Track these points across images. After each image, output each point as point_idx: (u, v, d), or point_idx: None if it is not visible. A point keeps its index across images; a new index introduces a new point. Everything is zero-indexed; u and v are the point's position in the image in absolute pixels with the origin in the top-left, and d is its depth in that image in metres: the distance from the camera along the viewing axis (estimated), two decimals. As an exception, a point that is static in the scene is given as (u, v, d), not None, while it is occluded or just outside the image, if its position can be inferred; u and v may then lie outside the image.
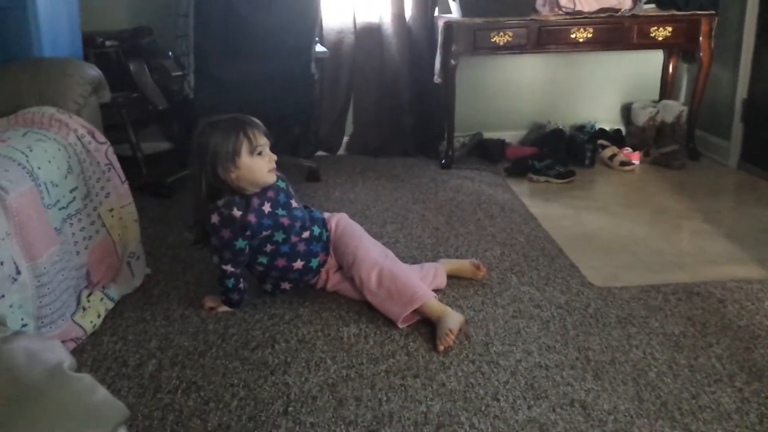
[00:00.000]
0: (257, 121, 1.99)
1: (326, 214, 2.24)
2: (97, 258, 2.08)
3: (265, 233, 2.01)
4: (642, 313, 2.06)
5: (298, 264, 2.08)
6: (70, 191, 2.00)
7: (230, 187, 1.96)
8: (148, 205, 2.79)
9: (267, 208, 2.00)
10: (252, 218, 1.97)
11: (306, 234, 2.08)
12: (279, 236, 2.03)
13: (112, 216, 2.16)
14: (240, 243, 1.98)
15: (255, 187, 1.98)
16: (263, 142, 1.96)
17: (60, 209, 1.93)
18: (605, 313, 2.07)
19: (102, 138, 2.20)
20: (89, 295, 2.02)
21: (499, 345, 1.90)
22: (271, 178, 1.99)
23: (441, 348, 1.86)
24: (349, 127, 3.89)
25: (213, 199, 1.97)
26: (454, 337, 1.90)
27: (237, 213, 1.95)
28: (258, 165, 1.94)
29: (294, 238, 2.06)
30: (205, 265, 2.39)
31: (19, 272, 1.67)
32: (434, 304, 1.98)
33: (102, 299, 2.05)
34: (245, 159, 1.92)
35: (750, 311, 2.06)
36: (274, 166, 1.99)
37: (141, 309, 2.11)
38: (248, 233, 1.98)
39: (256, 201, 1.99)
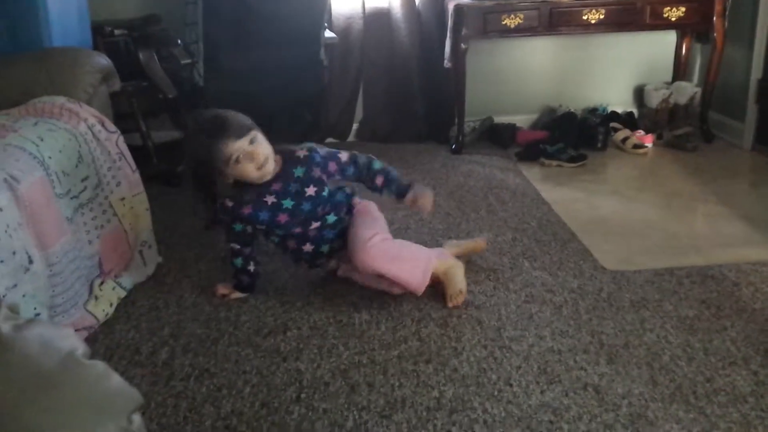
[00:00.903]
0: (234, 120, 1.91)
1: (357, 200, 2.19)
2: (109, 247, 2.09)
3: (259, 227, 2.02)
4: (656, 297, 2.05)
5: (308, 247, 2.08)
6: (82, 180, 2.01)
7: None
8: (159, 193, 2.79)
9: (270, 199, 1.97)
10: (247, 210, 1.98)
11: (315, 224, 2.04)
12: (278, 231, 2.04)
13: (124, 205, 2.17)
14: (237, 227, 2.02)
15: (258, 181, 1.95)
16: (237, 147, 1.86)
17: (71, 198, 1.94)
18: (618, 297, 2.06)
19: (112, 127, 2.21)
20: (101, 284, 2.03)
21: (512, 330, 1.89)
22: (262, 175, 1.93)
23: (452, 305, 2.00)
24: (358, 113, 3.87)
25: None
26: (465, 296, 2.02)
27: (229, 204, 1.98)
28: (241, 170, 1.90)
29: (297, 230, 2.04)
30: (216, 253, 2.40)
31: (31, 261, 1.68)
32: (439, 264, 2.05)
33: (114, 288, 2.06)
34: (227, 170, 1.90)
35: (765, 294, 2.04)
36: (263, 162, 1.91)
37: (153, 297, 2.12)
38: (245, 221, 1.99)
39: (254, 193, 1.96)
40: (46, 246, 1.77)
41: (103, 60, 2.37)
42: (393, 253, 1.99)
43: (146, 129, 2.93)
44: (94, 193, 2.06)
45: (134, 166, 2.23)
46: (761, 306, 1.98)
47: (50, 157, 1.87)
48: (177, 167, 3.04)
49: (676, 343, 1.81)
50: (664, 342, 1.82)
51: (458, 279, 2.04)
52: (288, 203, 1.98)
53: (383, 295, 2.06)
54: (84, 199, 2.01)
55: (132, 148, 2.31)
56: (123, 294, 2.09)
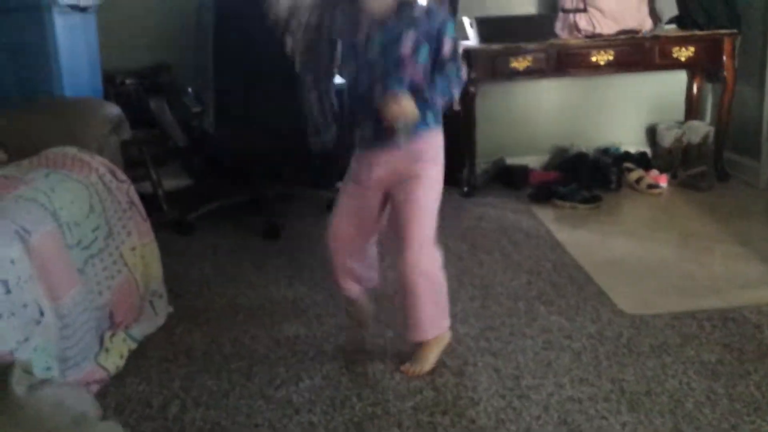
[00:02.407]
0: None
1: None
2: (120, 298, 2.07)
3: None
4: (677, 341, 2.00)
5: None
6: (92, 231, 2.00)
7: None
8: (169, 241, 2.78)
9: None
10: None
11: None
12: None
13: (134, 254, 2.15)
14: None
15: None
16: None
17: (82, 249, 1.93)
18: (638, 342, 2.01)
19: (123, 176, 2.21)
20: (112, 335, 2.00)
21: (530, 378, 1.84)
22: None
23: (408, 372, 1.88)
24: (370, 158, 3.86)
25: None
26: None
27: None
28: None
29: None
30: (227, 300, 2.37)
31: (42, 314, 1.67)
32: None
33: (125, 339, 2.03)
34: None
35: (789, 337, 1.99)
36: None
37: (164, 348, 2.09)
38: None
39: None
40: (57, 298, 1.75)
41: (113, 110, 2.39)
42: (438, 283, 1.87)
43: (157, 177, 2.93)
44: (104, 243, 2.05)
45: (145, 215, 2.22)
46: (785, 349, 1.93)
47: (61, 208, 1.86)
48: (188, 215, 3.04)
49: (699, 390, 1.76)
50: (686, 388, 1.77)
51: (434, 356, 1.91)
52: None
53: (395, 341, 2.02)
54: (95, 250, 1.99)
55: (142, 196, 2.31)
56: (134, 346, 2.06)
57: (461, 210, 3.34)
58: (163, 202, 2.98)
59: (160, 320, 2.21)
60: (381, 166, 1.88)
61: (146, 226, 2.22)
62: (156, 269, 2.23)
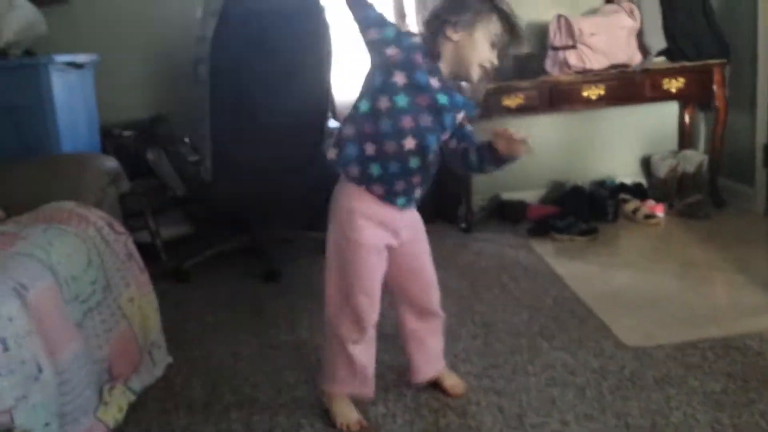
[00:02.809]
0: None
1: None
2: (119, 350, 2.06)
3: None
4: (680, 372, 1.99)
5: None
6: (90, 284, 2.00)
7: None
8: (168, 290, 2.78)
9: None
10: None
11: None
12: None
13: (133, 306, 2.15)
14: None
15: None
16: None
17: (80, 303, 1.93)
18: (642, 375, 1.99)
19: (121, 228, 2.22)
20: (111, 389, 1.99)
21: (534, 416, 1.83)
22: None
23: (459, 388, 1.99)
24: (367, 198, 3.88)
25: None
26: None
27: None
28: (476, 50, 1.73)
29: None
30: (227, 348, 2.36)
31: (41, 370, 1.66)
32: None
33: (124, 392, 2.02)
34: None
35: (793, 364, 1.98)
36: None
37: (163, 400, 2.07)
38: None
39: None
40: (55, 353, 1.74)
41: (111, 163, 2.41)
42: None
43: (155, 227, 2.95)
44: (103, 296, 2.05)
45: (143, 266, 2.23)
46: (789, 376, 1.91)
47: (59, 263, 1.87)
48: (186, 263, 3.05)
49: (704, 421, 1.74)
50: (692, 420, 1.75)
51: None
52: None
53: (399, 385, 2.01)
54: (93, 303, 1.99)
55: (141, 245, 2.32)
56: (133, 398, 2.04)
57: (460, 247, 3.34)
58: (161, 251, 2.99)
59: (159, 371, 2.20)
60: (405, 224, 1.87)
61: (144, 277, 2.22)
62: (154, 320, 2.23)
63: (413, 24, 3.62)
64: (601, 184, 3.81)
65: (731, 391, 1.87)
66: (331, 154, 1.76)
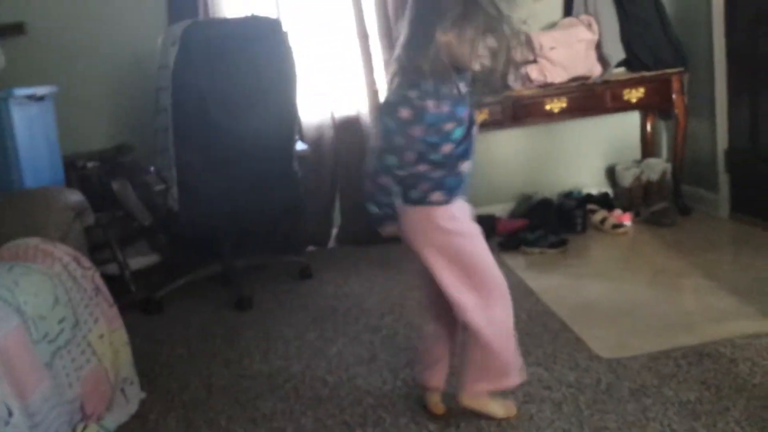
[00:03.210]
0: None
1: None
2: (90, 388, 2.02)
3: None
4: (655, 383, 2.00)
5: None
6: (58, 323, 1.96)
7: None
8: (139, 322, 2.74)
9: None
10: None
11: None
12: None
13: (103, 342, 2.11)
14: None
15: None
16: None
17: (49, 343, 1.89)
18: (617, 387, 2.01)
19: (87, 263, 2.18)
20: (84, 428, 1.94)
21: (513, 434, 1.83)
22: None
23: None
24: (337, 219, 3.88)
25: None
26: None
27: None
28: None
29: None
30: (201, 379, 2.33)
31: (11, 414, 1.62)
32: None
33: (98, 431, 1.98)
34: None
35: (762, 368, 2.00)
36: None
37: (138, 437, 2.03)
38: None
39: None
40: (25, 396, 1.70)
41: (75, 197, 2.38)
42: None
43: (123, 258, 2.91)
44: (72, 333, 2.00)
45: (111, 301, 2.19)
46: (760, 381, 1.94)
47: (26, 303, 1.83)
48: (156, 294, 3.00)
49: (680, 431, 1.75)
50: (668, 430, 1.76)
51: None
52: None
53: (377, 410, 2.00)
54: (62, 342, 1.95)
55: (110, 278, 2.28)
56: (107, 436, 2.00)
57: (432, 265, 3.34)
58: (130, 283, 2.95)
59: (133, 407, 2.16)
60: None
61: (113, 311, 2.18)
62: (125, 355, 2.19)
63: (376, 44, 3.64)
64: (568, 195, 3.85)
65: (706, 400, 1.88)
66: (437, 196, 1.81)
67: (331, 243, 3.88)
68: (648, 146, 3.96)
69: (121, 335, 2.19)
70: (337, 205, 3.86)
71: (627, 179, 3.79)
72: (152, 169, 2.92)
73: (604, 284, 2.85)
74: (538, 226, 3.48)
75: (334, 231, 3.89)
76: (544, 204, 3.71)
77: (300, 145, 3.31)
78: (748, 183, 3.39)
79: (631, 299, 2.65)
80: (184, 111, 2.75)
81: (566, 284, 2.89)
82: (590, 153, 4.00)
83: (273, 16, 3.45)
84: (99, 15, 3.51)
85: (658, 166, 3.75)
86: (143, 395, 2.24)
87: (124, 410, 2.12)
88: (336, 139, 3.73)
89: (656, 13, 3.62)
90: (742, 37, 3.30)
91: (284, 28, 3.04)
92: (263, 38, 2.98)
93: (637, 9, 3.61)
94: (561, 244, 3.33)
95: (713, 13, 3.41)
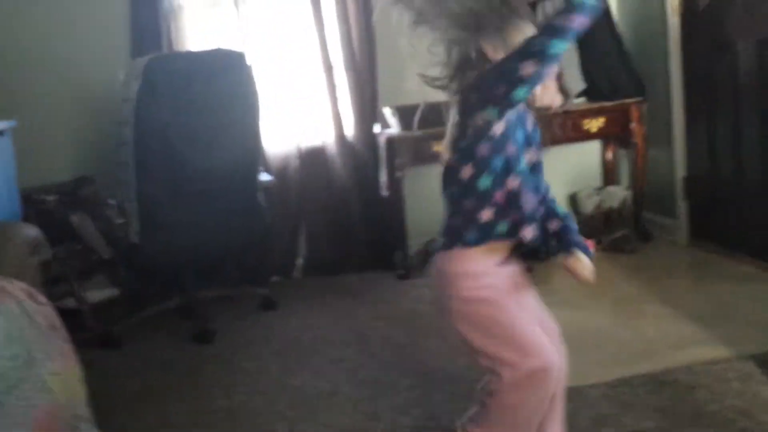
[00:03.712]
0: None
1: None
2: (43, 427, 1.97)
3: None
4: (614, 411, 2.02)
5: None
6: (11, 360, 1.91)
7: None
8: (95, 358, 2.68)
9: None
10: None
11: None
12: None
13: (57, 379, 2.06)
14: None
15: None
16: None
17: (0, 381, 1.84)
18: (578, 416, 2.01)
19: (42, 299, 2.13)
20: (36, 469, 1.89)
21: (475, 467, 1.81)
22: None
23: None
24: (302, 249, 3.86)
25: None
26: None
27: None
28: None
29: None
30: (159, 417, 2.29)
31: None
32: None
33: (50, 472, 1.93)
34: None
35: (719, 394, 2.03)
36: None
37: (93, 477, 1.98)
38: None
39: None
40: (-28, 436, 1.66)
41: (31, 231, 2.33)
42: None
43: (81, 292, 2.86)
44: (25, 371, 1.96)
45: (67, 337, 2.14)
46: (717, 408, 1.96)
47: (-25, 341, 1.79)
48: (114, 328, 2.95)
49: (639, 460, 1.77)
50: (627, 460, 1.77)
51: None
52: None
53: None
54: (14, 380, 1.90)
55: (67, 312, 2.24)
56: (60, 477, 1.95)
57: (398, 293, 3.35)
58: (88, 318, 2.89)
59: (89, 446, 2.11)
60: None
61: (69, 348, 2.13)
62: (80, 393, 2.13)
63: (341, 75, 3.67)
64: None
65: (664, 428, 1.90)
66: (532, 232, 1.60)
67: (296, 273, 3.86)
68: (608, 174, 4.02)
69: (77, 372, 2.13)
70: (303, 235, 3.85)
71: (588, 206, 3.85)
72: (113, 202, 2.89)
73: (568, 312, 2.85)
74: (503, 254, 3.50)
75: (300, 261, 3.87)
76: (508, 232, 3.74)
77: (264, 176, 3.31)
78: (707, 210, 3.45)
79: (593, 327, 2.68)
80: (146, 144, 2.74)
81: (529, 313, 2.90)
82: (552, 181, 3.95)
83: (237, 49, 3.47)
84: (61, 48, 3.48)
85: (619, 194, 3.81)
86: (99, 434, 2.19)
87: (78, 450, 2.07)
88: (302, 170, 3.74)
89: (614, 44, 3.71)
90: (699, 66, 3.39)
91: (248, 61, 3.06)
92: (227, 71, 2.99)
93: (596, 40, 3.68)
94: (526, 271, 3.34)
95: (670, 43, 3.51)
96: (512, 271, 1.71)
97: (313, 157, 3.78)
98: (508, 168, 1.53)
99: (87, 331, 2.84)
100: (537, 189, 1.61)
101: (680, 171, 3.57)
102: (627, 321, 2.72)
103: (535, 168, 1.63)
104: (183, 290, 3.10)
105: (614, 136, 3.81)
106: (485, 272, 1.61)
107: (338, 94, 3.72)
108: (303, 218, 3.82)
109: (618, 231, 3.65)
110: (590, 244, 3.59)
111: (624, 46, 3.73)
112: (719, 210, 3.36)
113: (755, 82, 3.04)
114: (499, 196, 1.53)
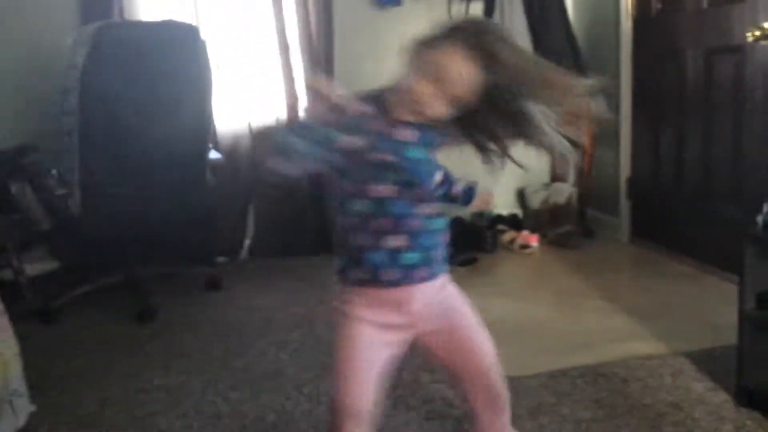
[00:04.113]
0: None
1: None
2: (-26, 400, 1.91)
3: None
4: (551, 401, 2.06)
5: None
6: (-59, 330, 1.85)
7: None
8: (33, 332, 2.62)
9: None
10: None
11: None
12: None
13: (-10, 352, 2.00)
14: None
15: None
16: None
17: (-72, 351, 1.78)
18: (516, 404, 2.01)
19: (-23, 268, 2.07)
20: (-36, 443, 1.84)
21: (413, 452, 1.84)
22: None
23: None
24: (250, 230, 3.82)
25: None
26: None
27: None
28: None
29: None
30: (96, 394, 2.24)
31: None
32: None
33: (-20, 446, 1.87)
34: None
35: (653, 388, 2.09)
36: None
37: (25, 452, 1.93)
38: None
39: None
40: None
41: (-33, 198, 2.25)
42: None
43: (19, 263, 2.77)
44: (-45, 342, 1.89)
45: (2, 308, 2.08)
46: (650, 401, 2.02)
47: None
48: (53, 302, 2.87)
49: (575, 449, 1.81)
50: (562, 449, 1.82)
51: None
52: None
53: (278, 427, 1.97)
54: (-57, 351, 1.84)
55: (4, 283, 2.17)
56: (-10, 452, 1.90)
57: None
58: (25, 290, 2.81)
59: (21, 421, 2.04)
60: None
61: (4, 320, 2.07)
62: (15, 366, 2.08)
63: (297, 55, 3.63)
64: (479, 215, 3.93)
65: (599, 418, 1.95)
66: None
67: (244, 254, 3.82)
68: (556, 171, 4.09)
69: (11, 345, 2.07)
70: (251, 215, 3.81)
71: (535, 201, 3.91)
72: (54, 171, 2.80)
73: (509, 303, 2.92)
74: (450, 243, 3.53)
75: (247, 242, 3.83)
76: (456, 222, 3.77)
77: (214, 154, 3.25)
78: (648, 210, 3.55)
79: (534, 318, 2.73)
80: (91, 114, 2.66)
81: (473, 302, 2.89)
82: (502, 174, 4.09)
83: (191, 22, 3.40)
84: (8, 9, 3.36)
85: (565, 190, 3.89)
86: (33, 408, 2.12)
87: (11, 423, 2.01)
88: (253, 149, 3.69)
89: (568, 44, 3.76)
90: (648, 72, 3.47)
91: (202, 36, 3.00)
92: (179, 44, 2.93)
93: (550, 37, 3.74)
94: (470, 262, 3.39)
95: (622, 46, 3.58)
96: None
97: (264, 136, 3.73)
98: None
99: (24, 305, 2.76)
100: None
101: (625, 171, 3.66)
102: (567, 314, 2.78)
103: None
104: (125, 266, 3.04)
105: (563, 134, 3.86)
106: None
107: (294, 75, 3.68)
108: (252, 199, 3.78)
109: (563, 226, 3.73)
110: (534, 238, 3.69)
111: (578, 47, 3.78)
112: (660, 211, 3.46)
113: (701, 90, 3.13)
114: None
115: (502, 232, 3.73)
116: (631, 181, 3.63)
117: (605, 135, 3.73)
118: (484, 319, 2.62)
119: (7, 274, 2.82)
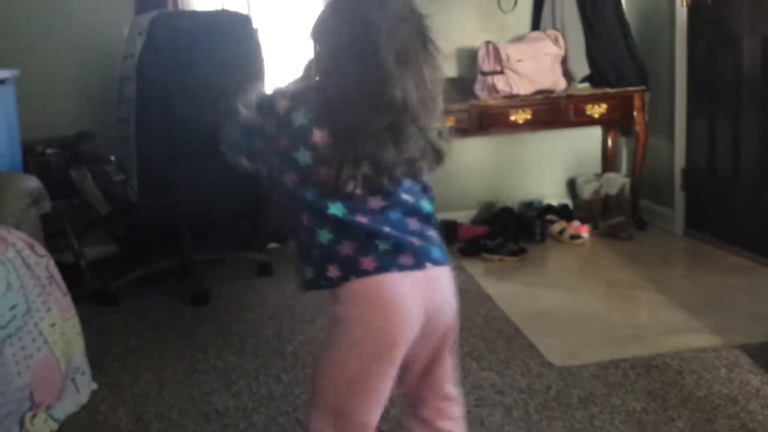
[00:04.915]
0: None
1: None
2: (40, 377, 1.99)
3: None
4: (603, 391, 2.04)
5: None
6: (10, 309, 1.93)
7: None
8: (92, 314, 2.70)
9: None
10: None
11: None
12: None
13: (55, 331, 2.08)
14: None
15: None
16: None
17: (-1, 329, 1.85)
18: (567, 394, 2.04)
19: (42, 251, 2.14)
20: (33, 417, 1.91)
21: (463, 437, 1.85)
22: None
23: None
24: (299, 218, 3.87)
25: None
26: None
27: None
28: None
29: None
30: (154, 373, 2.31)
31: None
32: None
33: (46, 420, 1.95)
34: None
35: (707, 381, 2.06)
36: None
37: (87, 428, 2.00)
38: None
39: None
40: (-30, 382, 1.67)
41: (32, 183, 2.33)
42: None
43: (78, 247, 2.86)
44: (23, 321, 1.97)
45: (65, 290, 2.16)
46: (705, 394, 1.99)
47: (-25, 288, 1.80)
48: (111, 285, 2.96)
49: (626, 440, 1.80)
50: (615, 439, 1.81)
51: None
52: None
53: None
54: (12, 329, 1.92)
55: (65, 266, 2.25)
56: (55, 427, 1.97)
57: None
58: (85, 273, 2.90)
59: (83, 398, 2.13)
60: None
61: (67, 301, 2.15)
62: (78, 345, 2.16)
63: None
64: (529, 205, 3.90)
65: (652, 410, 1.93)
66: None
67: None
68: (608, 161, 4.03)
69: (74, 325, 2.15)
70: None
71: (586, 192, 3.86)
72: (113, 158, 2.88)
73: (560, 293, 2.90)
74: (499, 233, 3.53)
75: (296, 230, 3.87)
76: (506, 212, 3.76)
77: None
78: (703, 201, 3.48)
79: (585, 309, 2.70)
80: (148, 102, 2.72)
81: (523, 292, 2.93)
82: (552, 165, 4.06)
83: (243, 11, 3.44)
84: (62, 1, 3.45)
85: (617, 181, 3.83)
86: (94, 386, 2.21)
87: (74, 400, 2.09)
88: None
89: (621, 32, 3.70)
90: (703, 60, 3.39)
91: (254, 24, 3.03)
92: (232, 33, 2.96)
93: (603, 27, 3.68)
94: (520, 252, 3.37)
95: (676, 34, 3.50)
96: None
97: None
98: None
99: (84, 287, 2.85)
100: None
101: (679, 162, 3.58)
102: (618, 305, 2.74)
103: None
104: (180, 251, 3.11)
105: (616, 123, 3.82)
106: None
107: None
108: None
109: (615, 217, 3.67)
110: (585, 228, 3.64)
111: (631, 34, 3.72)
112: (715, 202, 3.39)
113: (758, 79, 3.04)
114: None
115: (552, 222, 3.69)
116: (686, 172, 3.55)
117: (659, 124, 3.67)
118: (533, 309, 2.62)
119: (68, 258, 2.91)
